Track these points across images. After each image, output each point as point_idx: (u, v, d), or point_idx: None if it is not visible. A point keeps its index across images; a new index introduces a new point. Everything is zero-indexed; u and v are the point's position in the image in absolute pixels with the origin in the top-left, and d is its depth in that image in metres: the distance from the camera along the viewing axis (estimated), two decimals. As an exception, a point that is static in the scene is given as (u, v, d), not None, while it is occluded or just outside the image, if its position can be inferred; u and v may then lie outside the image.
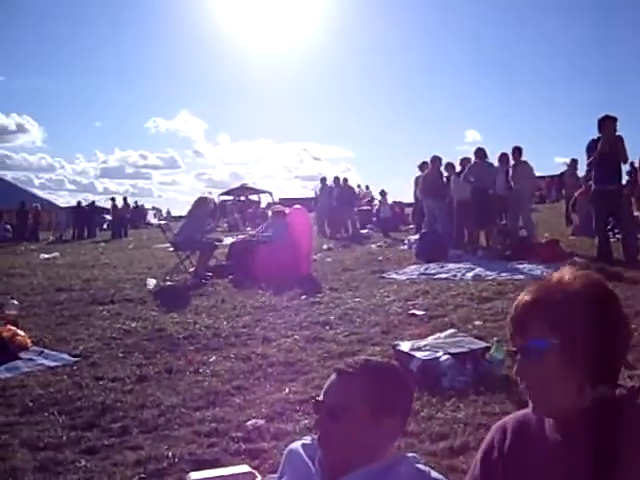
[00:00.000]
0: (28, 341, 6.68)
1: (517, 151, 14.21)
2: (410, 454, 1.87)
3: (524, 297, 1.55)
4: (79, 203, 33.09)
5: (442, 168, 15.68)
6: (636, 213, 12.63)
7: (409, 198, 20.89)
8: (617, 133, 10.64)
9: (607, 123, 10.71)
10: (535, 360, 1.48)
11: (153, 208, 47.76)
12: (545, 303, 1.49)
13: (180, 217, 39.57)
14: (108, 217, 39.28)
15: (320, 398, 1.89)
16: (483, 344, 5.41)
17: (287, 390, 4.98)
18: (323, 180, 23.72)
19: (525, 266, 10.69)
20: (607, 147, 10.31)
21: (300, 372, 5.49)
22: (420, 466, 1.80)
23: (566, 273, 1.55)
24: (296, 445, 2.06)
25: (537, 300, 1.51)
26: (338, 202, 21.79)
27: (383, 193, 24.56)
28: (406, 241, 15.69)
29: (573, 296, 1.48)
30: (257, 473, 2.72)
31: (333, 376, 1.90)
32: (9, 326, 6.89)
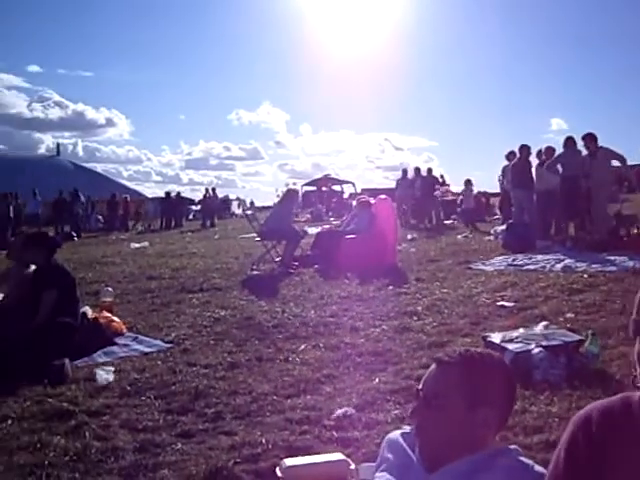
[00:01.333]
0: (123, 327, 6.89)
1: (591, 138, 13.56)
2: (512, 446, 1.85)
3: None
4: (168, 194, 33.84)
5: (531, 157, 15.30)
6: None
7: (494, 188, 20.56)
8: None
9: None
10: None
11: (237, 199, 48.38)
12: None
13: (263, 207, 40.13)
14: (194, 207, 40.15)
15: (419, 387, 1.89)
16: (577, 337, 5.28)
17: (377, 380, 4.97)
18: (404, 171, 23.58)
19: (617, 258, 10.36)
20: None
21: (389, 362, 5.48)
22: (523, 459, 1.78)
23: None
24: (395, 434, 2.07)
25: None
26: (421, 192, 21.64)
27: (468, 183, 24.19)
28: (492, 232, 15.45)
29: None
30: (350, 461, 2.72)
31: (433, 365, 1.91)
32: (105, 312, 7.13)
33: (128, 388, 5.03)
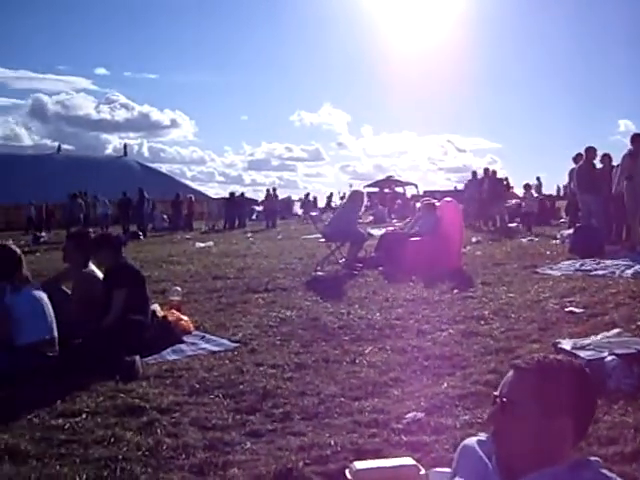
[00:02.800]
0: (191, 326, 6.99)
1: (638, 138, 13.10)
2: (593, 458, 1.81)
3: None
4: (232, 194, 34.27)
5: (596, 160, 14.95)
6: None
7: (560, 191, 20.25)
8: None
9: None
10: None
11: (299, 199, 48.68)
12: None
13: (325, 208, 40.23)
14: (257, 208, 40.58)
15: (496, 393, 1.87)
16: (652, 345, 5.14)
17: (445, 384, 4.93)
18: (474, 173, 23.41)
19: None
20: None
21: (457, 366, 5.43)
22: (606, 472, 1.74)
23: None
24: (471, 441, 2.05)
25: None
26: (487, 195, 21.42)
27: (527, 187, 23.84)
28: (559, 236, 15.19)
29: None
30: (420, 466, 2.70)
31: (510, 372, 1.88)
32: (173, 311, 7.24)
33: (197, 386, 5.09)
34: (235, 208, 32.48)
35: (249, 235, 24.49)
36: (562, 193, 21.28)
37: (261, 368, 5.55)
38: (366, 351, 5.99)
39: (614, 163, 14.68)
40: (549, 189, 27.88)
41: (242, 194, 35.92)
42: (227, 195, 35.25)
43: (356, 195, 12.54)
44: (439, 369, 5.39)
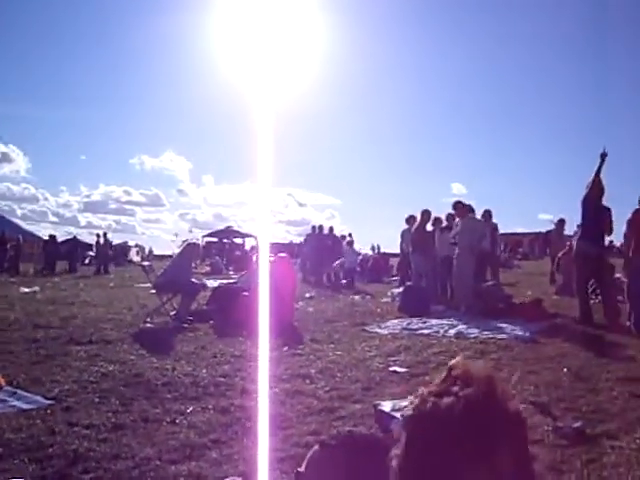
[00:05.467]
0: (2, 380, 6.54)
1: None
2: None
3: None
4: (52, 236, 32.61)
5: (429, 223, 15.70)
6: (617, 275, 12.71)
7: (396, 248, 20.97)
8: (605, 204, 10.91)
9: (596, 184, 10.90)
10: None
11: (136, 245, 47.56)
12: None
13: (163, 256, 39.53)
14: (91, 252, 39.15)
15: (301, 469, 1.84)
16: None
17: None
18: (313, 228, 23.81)
19: (508, 325, 10.69)
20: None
21: (279, 427, 5.38)
22: None
23: None
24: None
25: None
26: (323, 250, 21.85)
27: (350, 243, 24.56)
28: (389, 294, 15.68)
29: None
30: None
31: (315, 448, 1.86)
32: (-17, 364, 6.76)
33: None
34: (64, 251, 31.06)
35: (80, 281, 23.52)
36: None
37: (75, 428, 5.25)
38: (188, 410, 5.83)
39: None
40: (387, 247, 28.81)
41: (74, 237, 34.54)
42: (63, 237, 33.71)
43: (190, 247, 12.40)
44: (261, 430, 5.33)
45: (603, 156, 10.61)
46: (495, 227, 15.61)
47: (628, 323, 10.24)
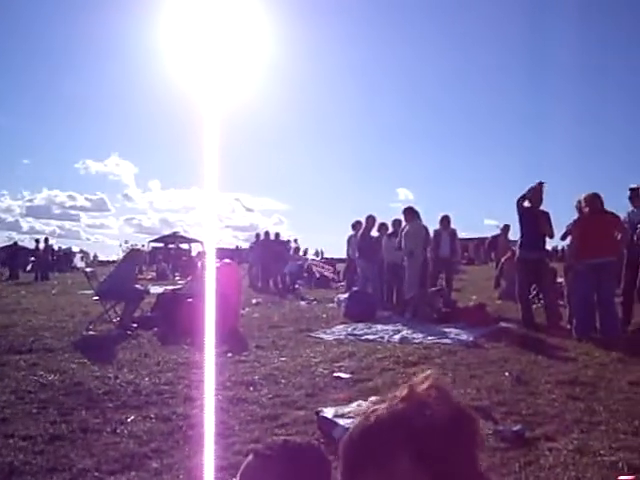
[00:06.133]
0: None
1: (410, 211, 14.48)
2: None
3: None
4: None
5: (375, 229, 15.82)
6: (559, 280, 12.98)
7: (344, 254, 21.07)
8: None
9: (536, 191, 11.17)
10: None
11: (80, 251, 46.86)
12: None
13: (108, 262, 39.00)
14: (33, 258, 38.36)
15: (236, 479, 1.83)
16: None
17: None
18: (258, 234, 23.77)
19: (452, 330, 10.82)
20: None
21: (221, 435, 5.33)
22: None
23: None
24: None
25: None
26: (270, 256, 21.82)
27: (296, 249, 24.66)
28: (335, 299, 15.72)
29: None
30: None
31: (250, 457, 1.84)
32: None
33: None
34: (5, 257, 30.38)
35: (21, 288, 23.04)
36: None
37: (10, 441, 5.13)
38: (129, 419, 5.74)
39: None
40: (334, 252, 28.89)
41: (15, 243, 33.76)
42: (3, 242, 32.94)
43: (134, 254, 12.26)
44: (202, 438, 5.28)
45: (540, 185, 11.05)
46: (453, 233, 15.77)
47: (569, 327, 10.45)
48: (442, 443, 1.22)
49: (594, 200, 10.39)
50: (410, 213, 14.15)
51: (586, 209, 10.41)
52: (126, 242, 47.09)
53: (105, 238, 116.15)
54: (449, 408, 1.26)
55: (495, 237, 23.05)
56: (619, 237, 10.46)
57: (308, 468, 1.80)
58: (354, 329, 11.19)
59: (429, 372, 1.34)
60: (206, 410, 6.05)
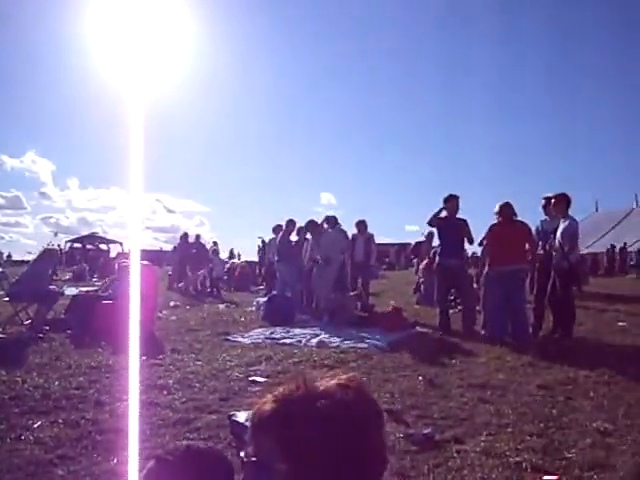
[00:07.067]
0: None
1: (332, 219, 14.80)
2: None
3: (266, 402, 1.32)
4: None
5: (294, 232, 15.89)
6: (475, 286, 13.29)
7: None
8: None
9: (451, 201, 11.50)
10: None
11: (-4, 250, 45.36)
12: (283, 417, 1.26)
13: (22, 262, 37.88)
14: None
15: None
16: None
17: (115, 460, 4.73)
18: (182, 236, 23.52)
19: (368, 334, 10.93)
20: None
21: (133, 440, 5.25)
22: None
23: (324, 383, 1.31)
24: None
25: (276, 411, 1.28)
26: (189, 258, 21.65)
27: (215, 252, 24.52)
28: (254, 303, 15.69)
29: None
30: None
31: (151, 463, 1.83)
32: None
33: None
34: None
35: None
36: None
37: None
38: (35, 425, 5.57)
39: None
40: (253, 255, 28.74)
41: None
42: None
43: (48, 254, 11.93)
44: (112, 444, 5.15)
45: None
46: (370, 237, 15.95)
47: (483, 332, 10.70)
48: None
49: (505, 209, 10.71)
50: (332, 219, 14.39)
51: (500, 218, 10.72)
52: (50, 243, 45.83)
53: (20, 237, 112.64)
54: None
55: (419, 243, 23.42)
56: (527, 246, 10.84)
57: (209, 473, 1.80)
58: (272, 333, 11.19)
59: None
60: (117, 414, 5.96)
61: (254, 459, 1.28)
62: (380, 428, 1.33)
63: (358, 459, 1.25)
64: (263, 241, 25.89)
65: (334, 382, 1.29)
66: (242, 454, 1.34)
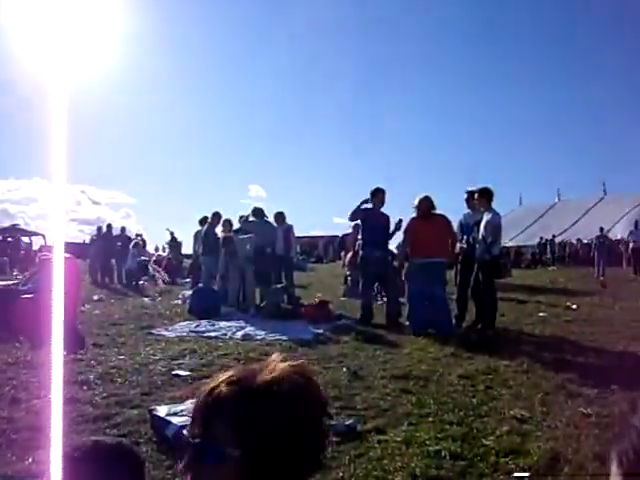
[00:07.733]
0: None
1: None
2: None
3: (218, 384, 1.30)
4: None
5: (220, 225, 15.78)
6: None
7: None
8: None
9: (377, 195, 11.58)
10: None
11: None
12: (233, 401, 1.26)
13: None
14: None
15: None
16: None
17: (30, 459, 4.60)
18: (99, 228, 23.05)
19: (294, 327, 10.95)
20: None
21: (48, 438, 5.09)
22: None
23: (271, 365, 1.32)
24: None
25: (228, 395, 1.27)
26: (113, 251, 21.32)
27: (138, 244, 24.23)
28: (180, 296, 15.53)
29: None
30: None
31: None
32: None
33: None
34: None
35: None
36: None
37: None
38: (-55, 425, 5.39)
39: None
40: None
41: None
42: None
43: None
44: (27, 442, 5.01)
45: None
46: (289, 229, 15.91)
47: (407, 323, 10.83)
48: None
49: (424, 203, 10.86)
50: (258, 212, 14.42)
51: (419, 212, 10.87)
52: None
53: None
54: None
55: (346, 235, 23.54)
56: (449, 239, 11.04)
57: (119, 469, 1.76)
58: (197, 326, 11.11)
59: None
60: (33, 411, 5.80)
61: (199, 440, 1.27)
62: (327, 411, 1.35)
63: (314, 441, 1.29)
64: (171, 233, 26.10)
65: (286, 366, 1.30)
66: (185, 434, 1.34)
